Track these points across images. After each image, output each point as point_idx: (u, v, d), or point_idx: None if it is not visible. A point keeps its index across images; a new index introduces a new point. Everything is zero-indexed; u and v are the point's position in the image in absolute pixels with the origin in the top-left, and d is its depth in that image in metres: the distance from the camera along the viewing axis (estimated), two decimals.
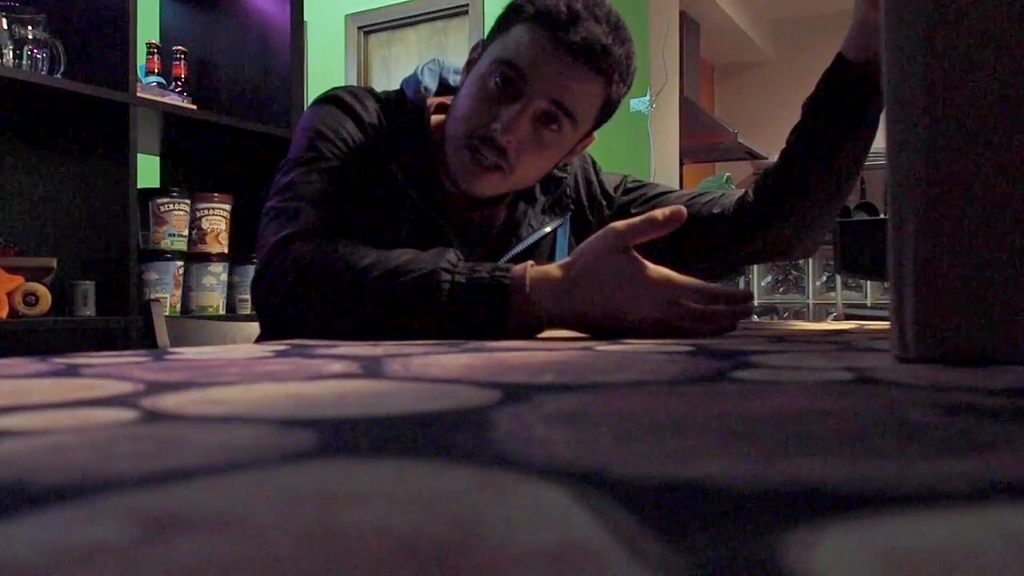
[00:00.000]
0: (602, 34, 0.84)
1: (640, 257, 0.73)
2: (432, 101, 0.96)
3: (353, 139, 0.89)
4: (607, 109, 0.91)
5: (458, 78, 0.96)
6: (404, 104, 0.95)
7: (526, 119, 0.85)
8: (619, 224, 0.74)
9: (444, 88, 0.98)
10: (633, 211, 1.02)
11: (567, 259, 0.76)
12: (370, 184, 0.89)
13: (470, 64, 0.92)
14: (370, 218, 0.87)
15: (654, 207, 0.98)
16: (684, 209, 0.74)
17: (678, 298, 0.72)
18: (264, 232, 0.84)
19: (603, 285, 0.72)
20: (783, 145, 0.96)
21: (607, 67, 0.85)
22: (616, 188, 1.06)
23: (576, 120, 0.87)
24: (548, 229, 0.99)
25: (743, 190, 1.01)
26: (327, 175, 0.86)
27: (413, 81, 0.97)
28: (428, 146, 0.92)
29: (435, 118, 0.95)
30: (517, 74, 0.84)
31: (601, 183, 1.06)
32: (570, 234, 1.02)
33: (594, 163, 1.09)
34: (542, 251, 0.99)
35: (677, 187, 1.11)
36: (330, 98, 0.93)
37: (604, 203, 1.05)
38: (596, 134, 0.96)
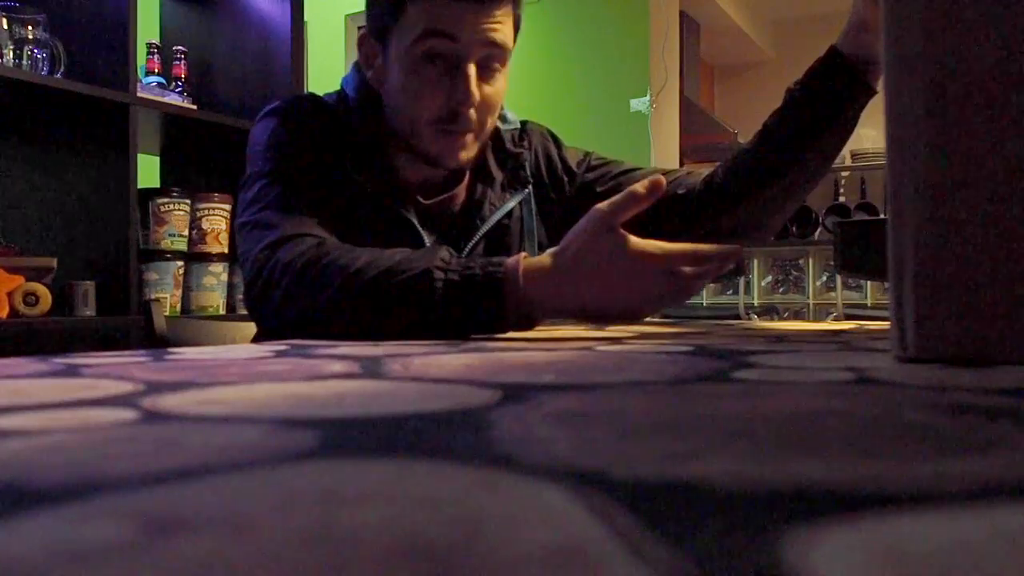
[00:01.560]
0: None
1: (628, 234, 0.73)
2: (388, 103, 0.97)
3: (306, 147, 0.90)
4: (518, 23, 0.94)
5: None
6: (346, 103, 0.96)
7: (474, 80, 0.88)
8: (603, 205, 0.74)
9: None
10: (599, 189, 1.01)
11: (558, 247, 0.75)
12: (329, 186, 0.90)
13: (370, 60, 0.94)
14: (336, 218, 0.88)
15: (620, 184, 0.99)
16: (662, 178, 0.76)
17: (673, 267, 0.73)
18: (244, 246, 0.85)
19: (597, 269, 0.73)
20: None
21: None
22: (579, 164, 1.05)
23: (508, 49, 0.91)
24: (511, 205, 0.99)
25: (710, 169, 1.01)
26: (288, 182, 0.87)
27: (352, 77, 0.98)
28: (379, 141, 0.94)
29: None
30: (447, 38, 0.86)
31: (563, 159, 1.05)
32: (536, 211, 1.02)
33: (555, 138, 1.08)
34: (511, 230, 0.99)
35: (649, 167, 1.09)
36: (274, 110, 0.94)
37: (566, 178, 1.04)
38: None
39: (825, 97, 0.89)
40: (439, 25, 0.86)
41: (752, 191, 0.96)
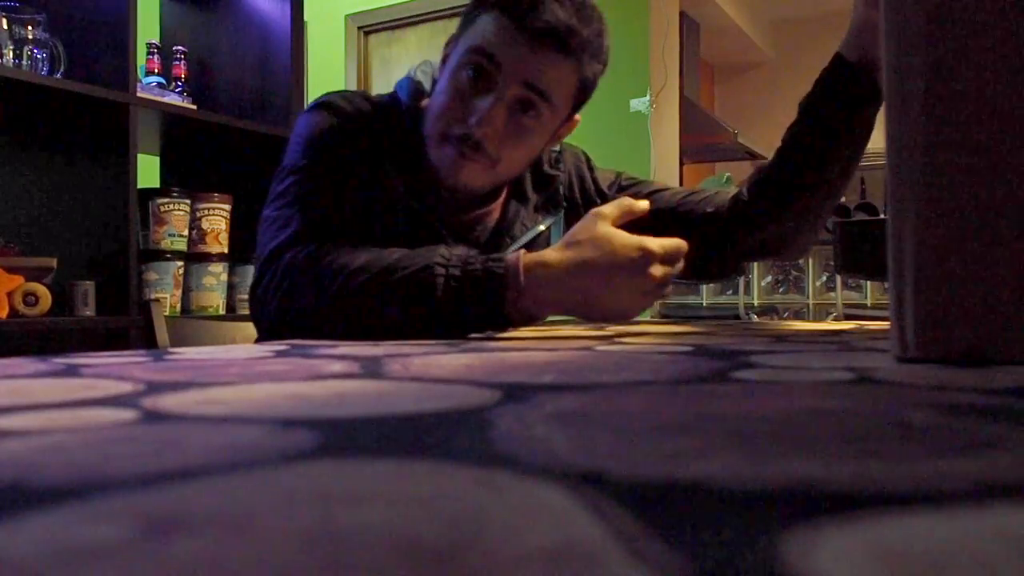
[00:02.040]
0: (566, 16, 0.84)
1: (614, 228, 0.77)
2: (427, 103, 0.96)
3: (346, 145, 0.90)
4: (584, 89, 0.91)
5: None
6: (398, 107, 0.95)
7: (501, 109, 0.86)
8: (601, 207, 0.78)
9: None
10: None
11: (557, 244, 0.77)
12: (364, 190, 0.89)
13: (444, 60, 0.93)
14: (366, 224, 0.87)
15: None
16: (646, 203, 0.81)
17: (649, 263, 0.76)
18: (262, 239, 0.85)
19: (591, 260, 0.74)
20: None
21: (575, 47, 0.86)
22: (610, 186, 1.06)
23: (553, 103, 0.88)
24: (542, 228, 0.99)
25: (737, 189, 1.02)
26: (321, 182, 0.86)
27: (406, 83, 0.97)
28: (422, 148, 0.93)
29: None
30: (488, 61, 0.85)
31: (595, 180, 1.06)
32: (564, 232, 1.02)
33: (588, 160, 1.09)
34: (537, 250, 0.99)
35: (677, 186, 1.12)
36: (323, 104, 0.93)
37: (598, 200, 1.05)
38: (579, 116, 0.97)
39: (835, 105, 0.89)
40: (491, 46, 0.85)
41: (777, 208, 0.95)
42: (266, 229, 0.85)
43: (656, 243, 0.76)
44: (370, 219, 0.88)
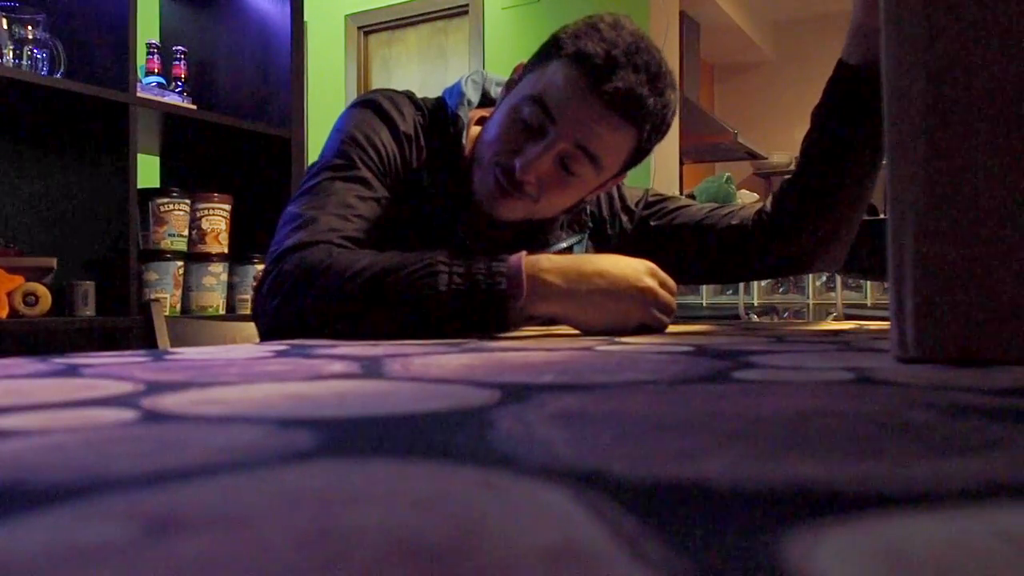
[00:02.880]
0: (638, 84, 0.82)
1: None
2: (474, 114, 0.95)
3: (386, 148, 0.89)
4: (638, 156, 0.90)
5: (499, 90, 0.95)
6: (444, 114, 0.94)
7: (548, 159, 0.84)
8: None
9: (486, 100, 0.97)
10: (652, 224, 1.03)
11: (568, 256, 0.79)
12: (397, 196, 0.88)
13: (510, 85, 0.90)
14: (394, 230, 0.86)
15: (673, 219, 1.02)
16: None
17: (653, 284, 0.78)
18: (279, 234, 0.84)
19: (595, 260, 0.76)
20: (783, 145, 0.96)
21: (640, 118, 0.83)
22: (638, 203, 1.06)
23: (600, 166, 0.86)
24: (564, 245, 0.99)
25: (762, 203, 1.01)
26: (353, 185, 0.85)
27: (456, 91, 0.95)
28: (461, 160, 0.91)
29: (475, 130, 0.94)
30: (545, 114, 0.83)
31: (623, 197, 1.06)
32: (588, 247, 1.02)
33: None
34: None
35: (677, 190, 1.13)
36: (368, 102, 0.92)
37: (625, 217, 1.05)
38: (628, 173, 0.96)
39: (844, 111, 0.88)
40: (550, 100, 0.83)
41: (802, 219, 0.94)
42: (284, 225, 0.83)
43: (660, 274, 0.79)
44: (396, 224, 0.87)
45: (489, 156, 0.87)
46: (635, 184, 1.12)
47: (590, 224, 1.02)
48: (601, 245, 1.02)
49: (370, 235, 0.83)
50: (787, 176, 0.99)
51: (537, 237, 0.97)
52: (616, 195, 1.06)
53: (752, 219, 0.99)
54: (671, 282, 0.81)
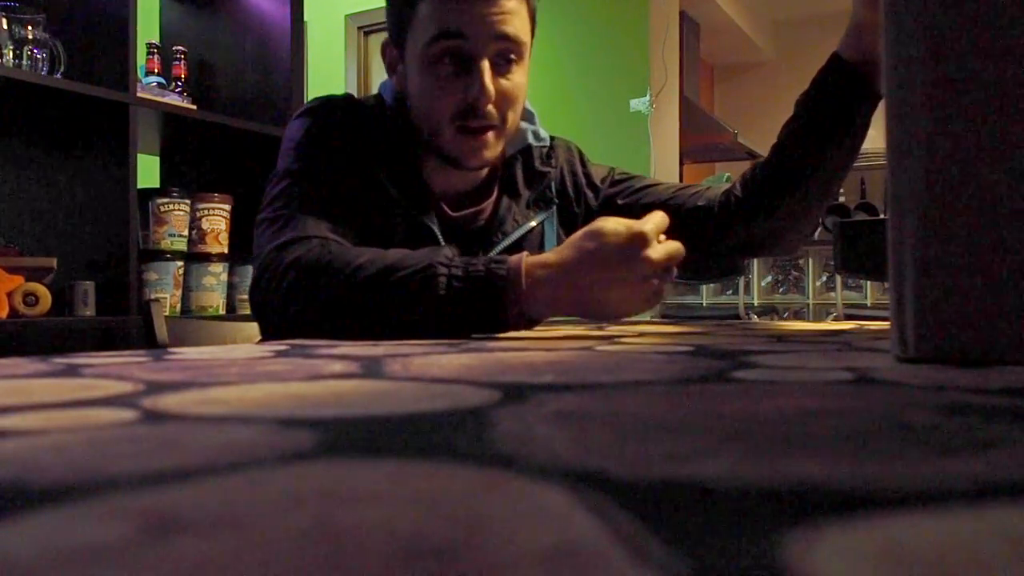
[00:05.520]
0: None
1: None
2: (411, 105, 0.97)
3: (338, 148, 0.91)
4: (533, 10, 0.93)
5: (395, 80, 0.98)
6: (383, 108, 0.96)
7: (489, 74, 0.87)
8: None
9: None
10: (620, 202, 1.03)
11: (559, 246, 0.77)
12: (358, 192, 0.90)
13: (393, 65, 0.96)
14: (360, 225, 0.88)
15: (640, 198, 1.02)
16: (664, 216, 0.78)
17: (642, 245, 0.74)
18: (259, 241, 0.85)
19: (586, 250, 0.74)
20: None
21: None
22: (603, 180, 1.07)
23: (521, 44, 0.90)
24: (533, 223, 1.00)
25: (730, 184, 1.02)
26: (315, 185, 0.87)
27: (390, 84, 0.98)
28: (412, 148, 0.94)
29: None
30: (459, 37, 0.86)
31: (588, 174, 1.07)
32: (558, 226, 1.03)
33: (580, 153, 1.09)
34: (531, 245, 0.99)
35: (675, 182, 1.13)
36: (311, 109, 0.94)
37: (591, 194, 1.06)
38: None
39: (831, 105, 0.89)
40: (449, 24, 0.86)
41: (768, 205, 0.96)
42: (264, 231, 0.85)
43: (648, 224, 0.75)
44: (365, 220, 0.89)
45: (444, 117, 0.90)
46: None
47: (556, 200, 1.03)
48: (568, 224, 1.02)
49: (344, 232, 0.85)
50: (760, 160, 0.99)
51: (501, 214, 0.98)
52: (580, 172, 1.06)
53: (719, 199, 0.99)
54: (660, 222, 0.77)
